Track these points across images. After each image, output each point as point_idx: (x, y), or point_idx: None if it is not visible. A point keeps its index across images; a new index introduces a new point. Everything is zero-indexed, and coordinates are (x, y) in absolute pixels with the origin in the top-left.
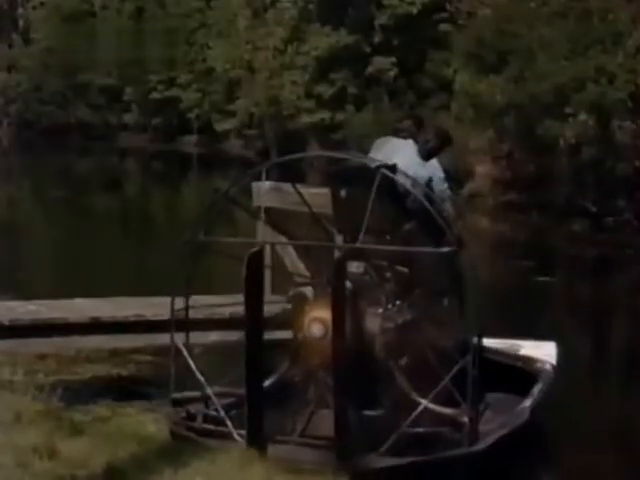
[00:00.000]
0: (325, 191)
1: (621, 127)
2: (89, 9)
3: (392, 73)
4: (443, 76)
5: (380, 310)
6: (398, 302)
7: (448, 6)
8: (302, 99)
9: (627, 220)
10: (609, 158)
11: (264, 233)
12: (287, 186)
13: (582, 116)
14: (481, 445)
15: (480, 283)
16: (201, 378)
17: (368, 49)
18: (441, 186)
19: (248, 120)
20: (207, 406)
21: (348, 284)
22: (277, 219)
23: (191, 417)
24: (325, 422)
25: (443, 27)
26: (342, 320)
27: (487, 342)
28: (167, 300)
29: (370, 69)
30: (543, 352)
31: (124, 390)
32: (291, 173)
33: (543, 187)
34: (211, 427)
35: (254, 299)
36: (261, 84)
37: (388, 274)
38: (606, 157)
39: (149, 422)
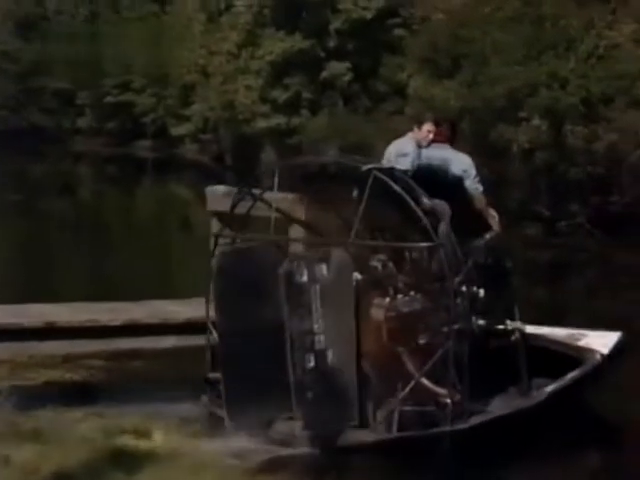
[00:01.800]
0: (290, 196)
1: (573, 132)
2: (43, 13)
3: (347, 78)
4: (397, 81)
5: (387, 300)
6: (412, 293)
7: (402, 11)
8: (257, 104)
9: (580, 224)
10: (562, 163)
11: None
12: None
13: (535, 121)
14: (464, 425)
15: None
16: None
17: (323, 54)
18: (475, 184)
19: (203, 125)
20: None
21: (357, 276)
22: (231, 223)
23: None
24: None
25: (397, 32)
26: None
27: (546, 330)
28: (121, 305)
29: (325, 74)
30: (600, 342)
31: (77, 395)
32: (247, 178)
33: (497, 191)
34: None
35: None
36: (216, 89)
37: (406, 268)
38: (559, 162)
39: (101, 427)
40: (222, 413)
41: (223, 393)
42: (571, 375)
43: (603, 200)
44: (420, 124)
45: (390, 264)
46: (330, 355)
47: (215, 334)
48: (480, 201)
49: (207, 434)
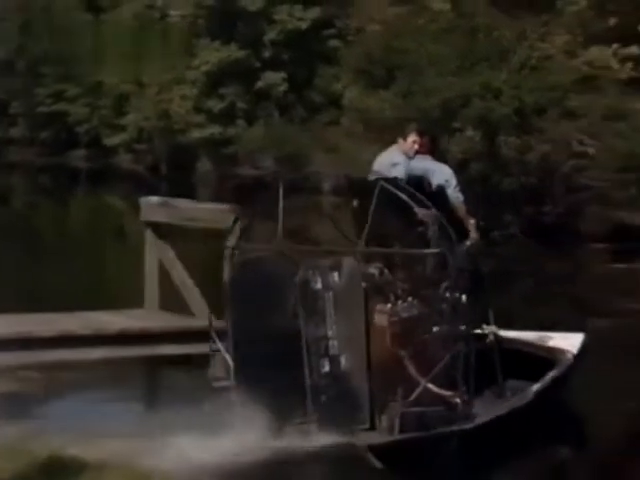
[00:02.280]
0: (221, 207)
1: (507, 142)
2: None
3: (282, 88)
4: (333, 91)
5: (389, 306)
6: (409, 299)
7: (337, 22)
8: (192, 114)
9: (513, 234)
10: (496, 173)
11: (152, 247)
12: (176, 201)
13: (469, 131)
14: (471, 424)
15: None
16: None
17: (258, 64)
18: (456, 193)
19: (138, 134)
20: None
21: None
22: (165, 234)
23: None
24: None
25: (333, 43)
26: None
27: (515, 334)
28: (55, 316)
29: (260, 84)
30: (568, 343)
31: (10, 407)
32: (182, 188)
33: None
34: None
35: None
36: (151, 98)
37: (401, 274)
38: (493, 172)
39: (34, 439)
40: (232, 419)
41: (237, 399)
42: (551, 375)
43: (536, 210)
44: (405, 136)
45: (386, 271)
46: (343, 360)
47: (219, 344)
48: (461, 209)
49: (143, 447)
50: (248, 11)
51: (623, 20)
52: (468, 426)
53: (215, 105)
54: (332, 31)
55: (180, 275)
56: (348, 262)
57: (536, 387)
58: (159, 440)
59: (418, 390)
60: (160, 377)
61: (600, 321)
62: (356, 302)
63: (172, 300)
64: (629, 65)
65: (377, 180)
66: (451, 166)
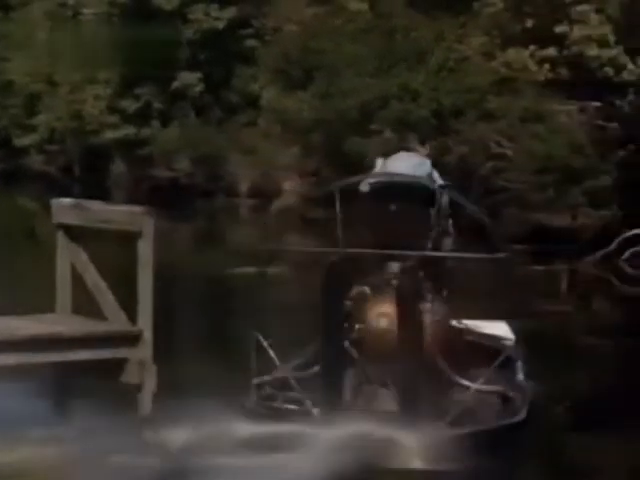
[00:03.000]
0: (135, 209)
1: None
2: None
3: (198, 88)
4: (250, 92)
5: (428, 305)
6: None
7: (254, 22)
8: (106, 114)
9: None
10: None
11: (64, 250)
12: (89, 203)
13: (387, 133)
14: (522, 415)
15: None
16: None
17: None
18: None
19: (50, 135)
20: (283, 388)
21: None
22: (77, 236)
23: (272, 398)
24: (385, 399)
25: (250, 43)
26: (409, 314)
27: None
28: None
29: (176, 84)
30: (501, 330)
31: None
32: (95, 190)
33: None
34: (292, 406)
35: (333, 307)
36: (63, 98)
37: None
38: None
39: None
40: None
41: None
42: (510, 362)
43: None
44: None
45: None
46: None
47: (263, 341)
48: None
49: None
50: (163, 10)
51: (540, 22)
52: (521, 418)
53: (129, 105)
54: (249, 31)
55: (93, 278)
56: (404, 263)
57: (521, 375)
58: (71, 446)
59: (472, 389)
60: (72, 383)
61: (519, 322)
62: (413, 299)
63: (85, 304)
64: (546, 67)
65: (443, 186)
66: (367, 169)
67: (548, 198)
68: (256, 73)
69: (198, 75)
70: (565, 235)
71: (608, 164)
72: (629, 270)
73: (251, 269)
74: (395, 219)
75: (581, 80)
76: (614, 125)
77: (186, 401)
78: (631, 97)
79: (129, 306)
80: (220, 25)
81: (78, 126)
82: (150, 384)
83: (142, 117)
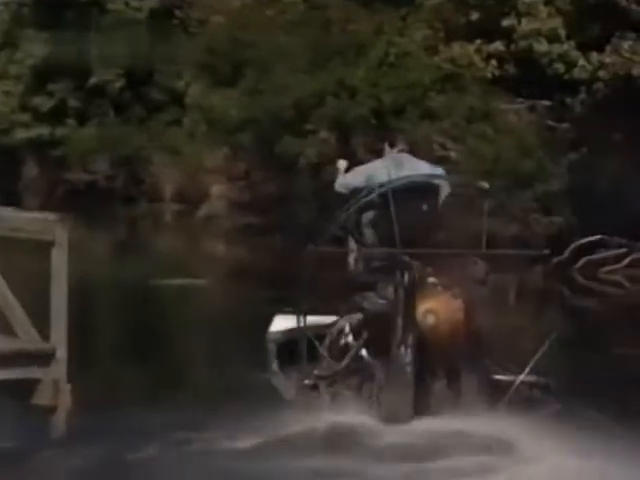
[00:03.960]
0: (49, 216)
1: (364, 144)
2: None
3: (118, 84)
4: (174, 88)
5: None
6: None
7: (178, 12)
8: (17, 112)
9: None
10: None
11: None
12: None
13: (323, 133)
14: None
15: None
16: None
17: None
18: None
19: None
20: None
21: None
22: None
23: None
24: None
25: (173, 35)
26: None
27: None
28: None
29: (93, 80)
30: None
31: None
32: (5, 195)
33: (285, 209)
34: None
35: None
36: None
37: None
38: None
39: None
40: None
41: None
42: None
43: None
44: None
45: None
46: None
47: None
48: None
49: None
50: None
51: (486, 14)
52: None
53: (43, 103)
54: (173, 22)
55: (2, 292)
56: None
57: None
58: None
59: (517, 383)
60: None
61: None
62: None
63: None
64: (493, 63)
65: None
66: (305, 171)
67: (496, 204)
68: (180, 68)
69: (117, 70)
70: (514, 243)
71: (559, 167)
72: (581, 280)
73: (176, 281)
74: (424, 217)
75: (530, 77)
76: (565, 125)
77: (103, 421)
78: (583, 95)
79: (41, 322)
80: (141, 16)
81: None
82: (64, 405)
83: (56, 115)
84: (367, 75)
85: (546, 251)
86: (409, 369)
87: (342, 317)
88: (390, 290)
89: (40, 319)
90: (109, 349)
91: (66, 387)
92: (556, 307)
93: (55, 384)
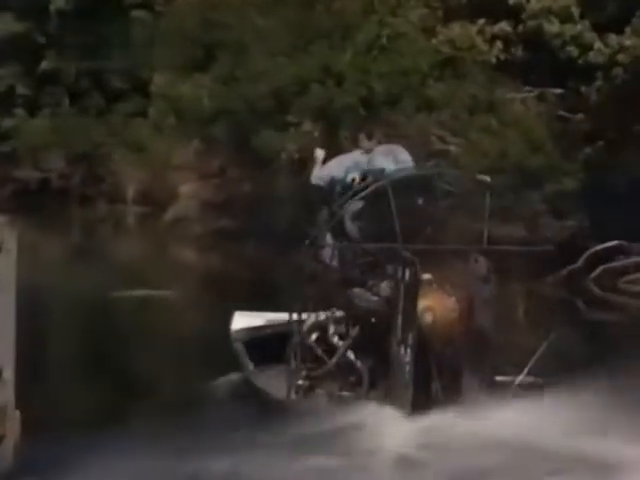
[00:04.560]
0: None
1: (351, 138)
2: None
3: (73, 70)
4: (138, 75)
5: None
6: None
7: None
8: None
9: None
10: None
11: None
12: None
13: (307, 125)
14: None
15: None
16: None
17: (43, 40)
18: None
19: None
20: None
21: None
22: None
23: None
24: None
25: (137, 14)
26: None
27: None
28: None
29: (44, 64)
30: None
31: None
32: None
33: (262, 210)
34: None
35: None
36: None
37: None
38: None
39: None
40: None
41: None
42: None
43: None
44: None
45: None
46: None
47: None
48: None
49: None
50: None
51: None
52: None
53: None
54: (137, 0)
55: None
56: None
57: None
58: None
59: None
60: None
61: None
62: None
63: None
64: (498, 45)
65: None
66: (286, 168)
67: (501, 205)
68: (145, 52)
69: (73, 54)
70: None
71: (573, 164)
72: (598, 292)
73: (139, 292)
74: (420, 212)
75: (540, 62)
76: (579, 116)
77: (55, 451)
78: (600, 82)
79: None
80: None
81: None
82: (12, 434)
83: (3, 105)
84: (355, 60)
85: (550, 247)
86: (409, 369)
87: (314, 314)
88: (384, 287)
89: None
90: (62, 370)
91: (14, 414)
92: (569, 322)
93: (2, 411)
